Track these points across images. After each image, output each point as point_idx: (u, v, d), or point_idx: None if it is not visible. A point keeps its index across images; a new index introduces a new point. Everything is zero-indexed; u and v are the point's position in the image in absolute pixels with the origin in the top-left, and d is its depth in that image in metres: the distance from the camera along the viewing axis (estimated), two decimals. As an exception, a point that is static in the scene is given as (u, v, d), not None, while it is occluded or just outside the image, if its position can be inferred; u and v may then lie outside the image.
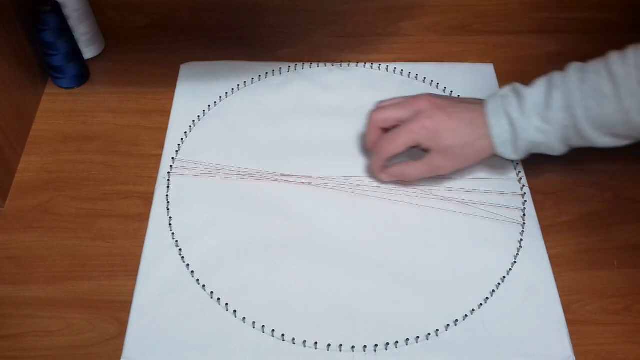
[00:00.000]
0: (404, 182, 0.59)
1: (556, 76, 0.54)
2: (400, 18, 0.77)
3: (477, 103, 0.56)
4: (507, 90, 0.56)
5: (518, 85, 0.56)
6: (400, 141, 0.56)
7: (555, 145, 0.55)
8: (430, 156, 0.56)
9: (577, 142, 0.54)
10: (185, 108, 0.67)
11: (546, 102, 0.53)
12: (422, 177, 0.58)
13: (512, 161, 0.62)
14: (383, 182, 0.60)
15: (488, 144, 0.55)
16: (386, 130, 0.58)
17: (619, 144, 0.54)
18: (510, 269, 0.55)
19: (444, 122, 0.55)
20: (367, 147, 0.59)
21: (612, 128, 0.52)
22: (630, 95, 0.50)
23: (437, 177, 0.60)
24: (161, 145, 0.64)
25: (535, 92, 0.54)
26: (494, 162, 0.62)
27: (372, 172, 0.60)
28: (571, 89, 0.52)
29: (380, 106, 0.59)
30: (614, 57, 0.51)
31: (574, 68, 0.53)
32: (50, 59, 0.66)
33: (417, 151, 0.57)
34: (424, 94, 0.58)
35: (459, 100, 0.58)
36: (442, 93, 0.69)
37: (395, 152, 0.56)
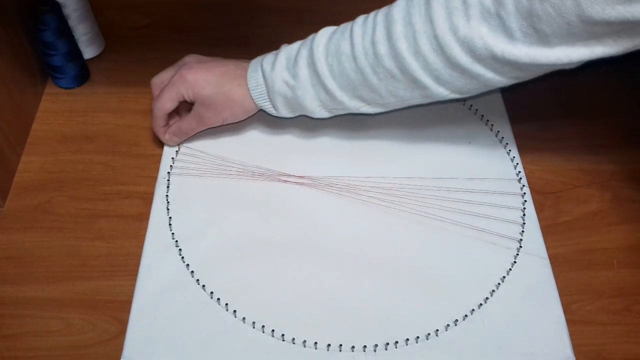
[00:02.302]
0: (181, 137, 0.61)
1: (310, 36, 0.56)
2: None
3: (244, 62, 0.59)
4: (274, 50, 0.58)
5: (283, 45, 0.58)
6: (165, 96, 0.57)
7: (309, 105, 0.56)
8: (195, 108, 0.59)
9: (334, 106, 0.57)
10: (185, 108, 0.67)
11: (295, 57, 0.55)
12: (195, 129, 0.61)
13: (512, 161, 0.62)
14: (169, 145, 0.62)
15: (247, 95, 0.58)
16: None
17: (374, 111, 0.56)
18: (510, 269, 0.55)
19: (201, 73, 0.57)
20: (155, 129, 0.61)
21: (356, 89, 0.54)
22: (363, 55, 0.51)
23: (433, 176, 0.60)
24: (161, 145, 0.63)
25: (290, 48, 0.56)
26: (493, 162, 0.62)
27: (157, 136, 0.62)
28: (316, 45, 0.54)
29: (155, 80, 0.61)
30: (359, 18, 0.53)
31: (325, 30, 0.55)
32: (50, 59, 0.66)
33: None
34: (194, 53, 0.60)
35: (226, 59, 0.60)
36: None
37: (165, 108, 0.58)
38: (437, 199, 0.59)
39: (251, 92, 0.57)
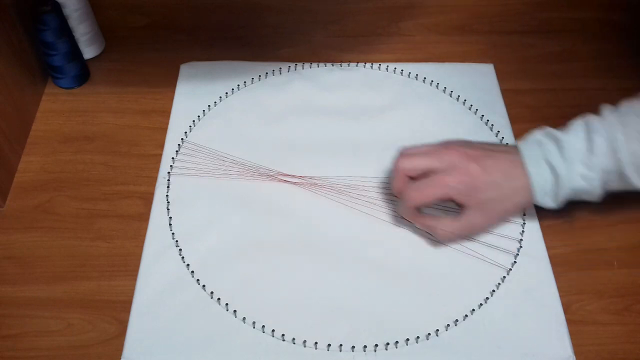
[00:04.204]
0: (433, 236, 0.56)
1: (593, 120, 0.52)
2: (400, 18, 0.77)
3: (511, 152, 0.54)
4: (540, 135, 0.54)
5: (552, 130, 0.53)
6: (431, 193, 0.52)
7: (597, 192, 0.52)
8: (466, 213, 0.53)
9: (617, 186, 0.53)
10: (185, 108, 0.67)
11: (589, 148, 0.51)
12: (454, 236, 0.55)
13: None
14: (402, 216, 0.57)
15: (527, 196, 0.53)
16: (412, 178, 0.55)
17: None
18: (510, 269, 0.55)
19: (480, 175, 0.52)
20: (394, 193, 0.56)
21: None
22: None
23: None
24: (161, 145, 0.64)
25: (574, 137, 0.52)
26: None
27: (402, 216, 0.57)
28: (614, 132, 0.50)
29: (406, 153, 0.55)
30: None
31: (608, 110, 0.52)
32: (51, 59, 0.66)
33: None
34: (452, 142, 0.55)
35: (491, 149, 0.54)
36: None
37: (424, 204, 0.54)
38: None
39: (537, 191, 0.52)
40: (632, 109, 0.51)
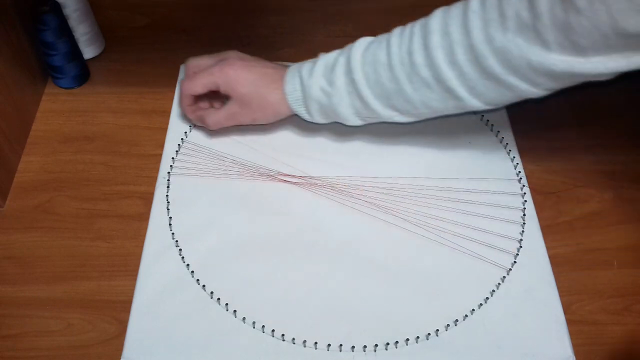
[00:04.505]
0: (208, 126, 0.62)
1: (348, 45, 0.57)
2: (400, 18, 0.77)
3: (284, 66, 0.60)
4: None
5: (320, 53, 0.59)
6: (200, 81, 0.59)
7: (343, 112, 0.57)
8: (229, 103, 0.60)
9: (367, 114, 0.57)
10: (185, 108, 0.67)
11: (332, 65, 0.56)
12: (224, 124, 0.61)
13: (512, 161, 0.62)
14: (192, 124, 0.64)
15: (281, 98, 0.58)
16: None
17: (405, 120, 0.57)
18: (510, 269, 0.55)
19: (242, 71, 0.58)
20: (183, 111, 0.63)
21: (390, 99, 0.55)
22: (399, 64, 0.52)
23: (433, 176, 0.60)
24: (161, 145, 0.64)
25: (328, 56, 0.57)
26: (493, 162, 0.62)
27: (181, 110, 0.63)
28: (353, 54, 0.55)
29: (198, 57, 0.62)
30: (396, 29, 0.54)
31: (363, 40, 0.56)
32: (50, 59, 0.66)
33: None
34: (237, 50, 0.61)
35: (266, 62, 0.61)
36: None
37: (195, 91, 0.60)
38: (437, 199, 0.59)
39: (287, 96, 0.58)
40: (379, 38, 0.55)
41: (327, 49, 0.73)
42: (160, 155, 0.63)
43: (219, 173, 0.61)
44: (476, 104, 0.53)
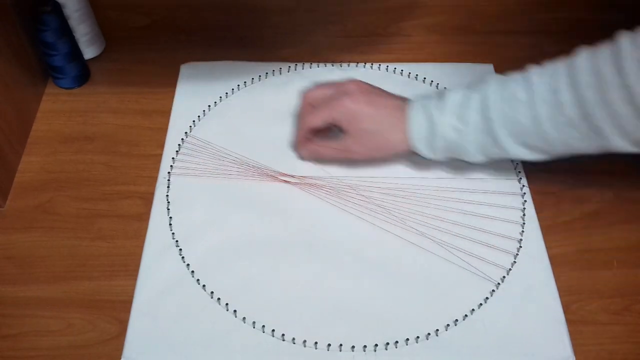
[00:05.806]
0: (319, 160, 0.61)
1: (477, 83, 0.55)
2: (400, 18, 0.77)
3: (404, 100, 0.58)
4: (432, 93, 0.58)
5: (443, 89, 0.57)
6: (319, 115, 0.58)
7: (471, 150, 0.55)
8: (344, 138, 0.58)
9: (494, 152, 0.55)
10: (186, 108, 0.67)
11: (464, 103, 0.54)
12: (335, 158, 0.60)
13: (512, 162, 0.62)
14: (302, 158, 0.62)
15: (403, 138, 0.56)
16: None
17: (535, 158, 0.54)
18: (510, 269, 0.55)
19: (364, 106, 0.56)
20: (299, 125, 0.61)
21: (525, 137, 0.53)
22: (541, 102, 0.51)
23: (433, 177, 0.60)
24: (161, 145, 0.64)
25: (456, 93, 0.55)
26: (493, 162, 0.62)
27: (294, 145, 0.63)
28: (489, 92, 0.53)
29: (315, 87, 0.61)
30: (532, 67, 0.53)
31: (494, 77, 0.55)
32: (51, 59, 0.66)
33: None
34: (356, 79, 0.59)
35: (388, 93, 0.59)
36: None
37: (314, 126, 0.59)
38: (437, 199, 0.59)
39: (412, 135, 0.56)
40: (513, 76, 0.54)
41: (327, 48, 0.74)
42: (160, 155, 0.63)
43: (219, 173, 0.61)
44: (620, 143, 0.50)
